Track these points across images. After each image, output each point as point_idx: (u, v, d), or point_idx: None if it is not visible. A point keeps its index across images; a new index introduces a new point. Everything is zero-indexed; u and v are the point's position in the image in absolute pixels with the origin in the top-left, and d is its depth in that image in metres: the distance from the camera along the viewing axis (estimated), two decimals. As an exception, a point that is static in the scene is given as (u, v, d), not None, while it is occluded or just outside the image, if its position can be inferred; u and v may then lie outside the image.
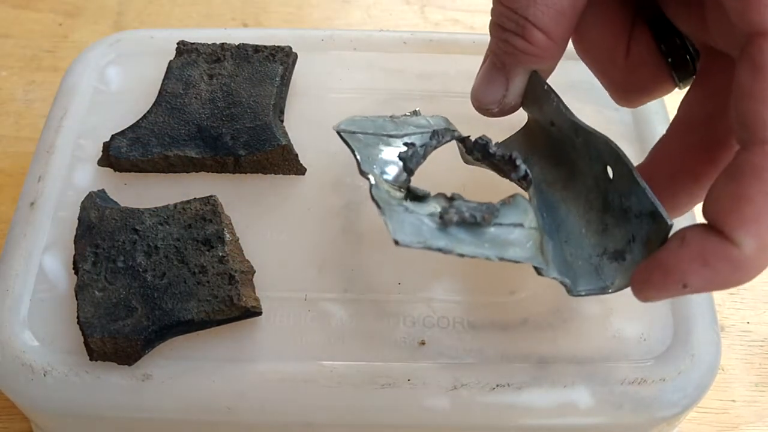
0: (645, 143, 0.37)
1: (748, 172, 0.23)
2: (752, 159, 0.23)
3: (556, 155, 0.31)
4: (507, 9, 0.28)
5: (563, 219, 0.30)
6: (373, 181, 0.28)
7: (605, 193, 0.28)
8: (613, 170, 0.28)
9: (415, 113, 0.32)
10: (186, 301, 0.30)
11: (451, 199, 0.28)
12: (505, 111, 0.31)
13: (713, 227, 0.24)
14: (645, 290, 0.25)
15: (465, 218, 0.26)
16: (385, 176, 0.29)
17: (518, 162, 0.30)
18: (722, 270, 0.24)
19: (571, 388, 0.30)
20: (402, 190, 0.28)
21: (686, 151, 0.28)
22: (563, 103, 0.29)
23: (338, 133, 0.30)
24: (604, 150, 0.28)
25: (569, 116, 0.29)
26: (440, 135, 0.31)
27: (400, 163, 0.29)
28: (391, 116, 0.31)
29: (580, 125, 0.29)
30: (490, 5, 0.29)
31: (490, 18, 0.29)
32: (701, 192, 0.28)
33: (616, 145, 0.28)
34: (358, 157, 0.29)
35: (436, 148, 0.31)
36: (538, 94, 0.30)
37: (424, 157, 0.31)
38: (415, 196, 0.28)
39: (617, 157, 0.27)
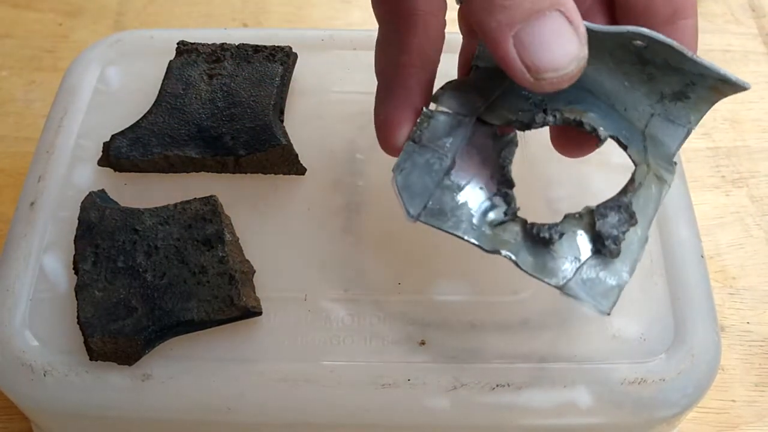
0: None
1: None
2: None
3: None
4: None
5: (602, 89, 0.29)
6: (513, 257, 0.28)
7: (637, 51, 0.27)
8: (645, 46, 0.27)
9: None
10: (186, 301, 0.30)
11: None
12: (580, 71, 0.25)
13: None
14: None
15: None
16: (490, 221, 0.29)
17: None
18: None
19: (571, 388, 0.30)
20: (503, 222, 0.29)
21: None
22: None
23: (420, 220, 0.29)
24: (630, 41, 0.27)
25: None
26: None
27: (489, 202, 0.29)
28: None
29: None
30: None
31: None
32: None
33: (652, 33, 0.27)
34: (474, 241, 0.28)
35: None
36: None
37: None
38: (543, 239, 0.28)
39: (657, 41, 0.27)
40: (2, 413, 0.38)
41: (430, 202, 0.28)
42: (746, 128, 0.49)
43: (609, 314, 0.28)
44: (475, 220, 0.29)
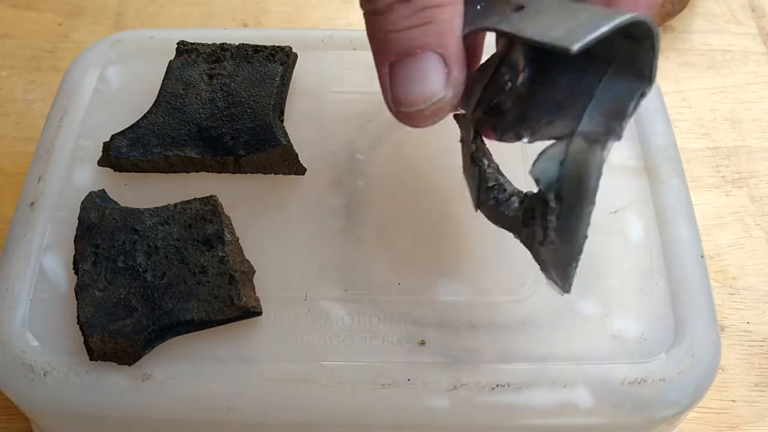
0: (645, 143, 0.37)
1: None
2: None
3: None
4: None
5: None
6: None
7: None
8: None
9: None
10: (186, 301, 0.30)
11: None
12: (435, 113, 0.26)
13: None
14: None
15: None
16: None
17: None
18: None
19: (571, 388, 0.30)
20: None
21: None
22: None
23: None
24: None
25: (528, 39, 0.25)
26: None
27: None
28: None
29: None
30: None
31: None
32: None
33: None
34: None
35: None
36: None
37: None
38: None
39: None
40: (2, 413, 0.38)
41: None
42: (746, 128, 0.49)
43: (569, 293, 0.27)
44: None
